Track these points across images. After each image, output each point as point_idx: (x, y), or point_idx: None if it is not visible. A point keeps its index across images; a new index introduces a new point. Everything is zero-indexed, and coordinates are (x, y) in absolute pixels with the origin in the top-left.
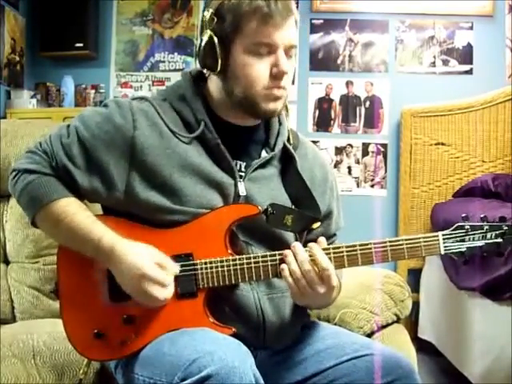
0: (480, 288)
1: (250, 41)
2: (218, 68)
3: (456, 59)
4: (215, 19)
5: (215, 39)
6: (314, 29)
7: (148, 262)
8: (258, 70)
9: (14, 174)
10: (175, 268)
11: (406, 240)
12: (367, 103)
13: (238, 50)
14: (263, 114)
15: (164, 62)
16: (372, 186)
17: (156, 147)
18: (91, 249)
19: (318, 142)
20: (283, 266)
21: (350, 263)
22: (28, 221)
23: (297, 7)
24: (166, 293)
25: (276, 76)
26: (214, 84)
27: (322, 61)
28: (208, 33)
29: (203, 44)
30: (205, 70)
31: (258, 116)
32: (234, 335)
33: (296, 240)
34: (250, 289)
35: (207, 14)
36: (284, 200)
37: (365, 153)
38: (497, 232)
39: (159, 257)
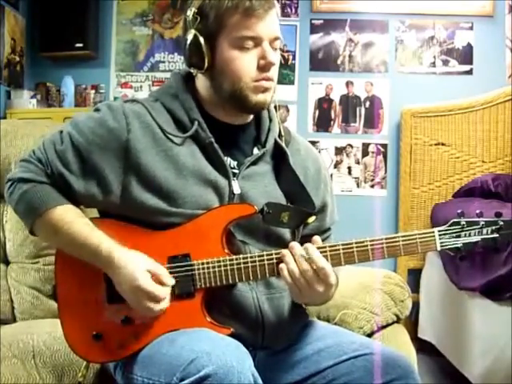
0: (480, 288)
1: (234, 35)
2: (205, 66)
3: (456, 59)
4: (198, 18)
5: (200, 38)
6: (314, 29)
7: (143, 275)
8: (245, 62)
9: (9, 183)
10: (170, 280)
11: (401, 237)
12: (367, 103)
13: (224, 45)
14: (253, 107)
15: (164, 62)
16: (372, 186)
17: (150, 150)
18: (89, 255)
19: (317, 142)
20: (282, 265)
21: (347, 261)
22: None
23: (297, 7)
24: (159, 306)
25: (264, 68)
26: (201, 83)
27: (322, 61)
28: (192, 32)
29: (188, 44)
30: (192, 69)
31: (247, 109)
32: (233, 335)
33: (292, 236)
34: (249, 289)
35: (190, 14)
36: (278, 196)
37: (365, 153)
38: (493, 227)
39: (155, 268)
